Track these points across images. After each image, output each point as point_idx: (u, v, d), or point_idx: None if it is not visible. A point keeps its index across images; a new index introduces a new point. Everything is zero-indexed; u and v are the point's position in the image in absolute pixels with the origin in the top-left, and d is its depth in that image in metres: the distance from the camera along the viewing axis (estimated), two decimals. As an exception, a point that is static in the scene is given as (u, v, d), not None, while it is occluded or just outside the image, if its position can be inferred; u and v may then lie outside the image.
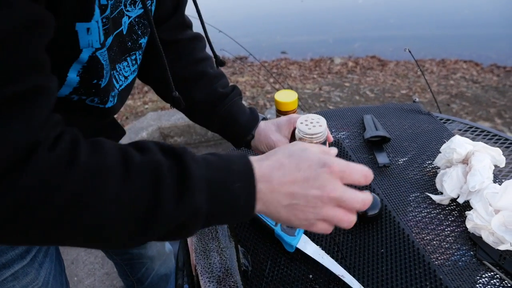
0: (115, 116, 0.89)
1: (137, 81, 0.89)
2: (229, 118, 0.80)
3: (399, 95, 3.55)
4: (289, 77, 4.23)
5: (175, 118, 2.70)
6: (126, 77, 0.66)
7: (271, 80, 3.94)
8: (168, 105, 0.78)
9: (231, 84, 0.83)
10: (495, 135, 0.98)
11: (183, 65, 0.78)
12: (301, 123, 0.77)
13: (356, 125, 1.07)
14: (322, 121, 0.77)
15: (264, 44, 5.65)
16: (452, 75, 3.97)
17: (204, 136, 2.72)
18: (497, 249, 0.67)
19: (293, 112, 0.93)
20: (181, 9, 0.79)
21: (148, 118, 2.74)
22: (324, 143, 0.77)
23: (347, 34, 5.97)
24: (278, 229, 0.69)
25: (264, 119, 0.82)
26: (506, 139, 0.97)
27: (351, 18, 6.74)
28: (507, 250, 0.67)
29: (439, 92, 3.52)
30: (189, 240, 0.71)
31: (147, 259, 1.14)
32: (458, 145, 0.79)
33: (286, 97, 0.91)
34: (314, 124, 0.76)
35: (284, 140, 0.76)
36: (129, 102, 3.58)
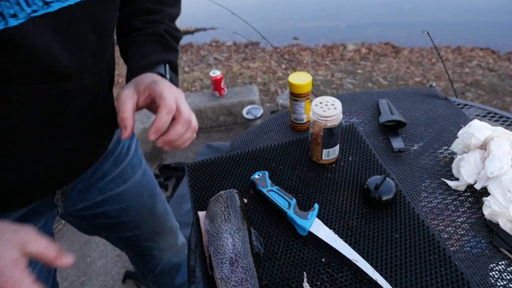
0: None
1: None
2: (126, 54, 0.76)
3: (413, 82, 3.49)
4: (301, 63, 4.18)
5: (187, 102, 2.69)
6: (46, 3, 0.53)
7: (283, 66, 3.90)
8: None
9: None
10: (515, 121, 0.96)
11: None
12: (316, 105, 0.76)
13: (371, 110, 1.05)
14: (337, 103, 0.75)
15: (276, 29, 5.58)
16: (467, 63, 3.88)
17: (215, 121, 2.71)
18: (515, 236, 0.66)
19: (307, 95, 0.91)
20: None
21: (159, 103, 2.74)
22: (338, 126, 0.76)
23: (361, 20, 5.86)
24: (290, 212, 0.68)
25: (163, 75, 0.75)
26: (526, 126, 0.94)
27: (365, 4, 6.60)
28: (525, 238, 0.66)
29: (454, 80, 3.44)
30: (201, 222, 0.71)
31: (158, 251, 1.14)
32: (477, 129, 0.77)
33: (300, 79, 0.89)
34: (329, 107, 0.75)
35: (129, 95, 0.66)
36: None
